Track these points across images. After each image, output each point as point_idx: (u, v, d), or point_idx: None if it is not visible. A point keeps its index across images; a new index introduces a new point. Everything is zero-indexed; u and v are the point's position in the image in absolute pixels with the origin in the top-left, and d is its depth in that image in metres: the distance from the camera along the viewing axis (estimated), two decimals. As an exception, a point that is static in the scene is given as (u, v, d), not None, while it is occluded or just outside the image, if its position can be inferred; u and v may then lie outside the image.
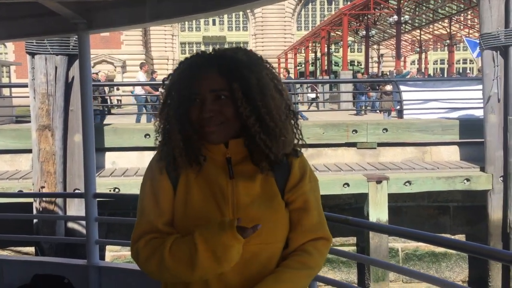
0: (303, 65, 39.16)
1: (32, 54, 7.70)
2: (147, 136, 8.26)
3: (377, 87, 15.93)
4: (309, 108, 17.34)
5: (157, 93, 16.18)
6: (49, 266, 2.99)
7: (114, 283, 2.83)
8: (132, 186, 7.26)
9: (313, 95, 19.09)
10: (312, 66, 36.75)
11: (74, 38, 7.84)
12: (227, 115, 1.38)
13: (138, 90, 13.27)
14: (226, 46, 45.10)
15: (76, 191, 7.43)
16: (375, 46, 37.88)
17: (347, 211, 7.77)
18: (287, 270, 1.40)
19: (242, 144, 1.42)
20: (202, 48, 46.41)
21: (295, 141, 1.47)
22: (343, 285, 2.71)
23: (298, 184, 1.46)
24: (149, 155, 1.56)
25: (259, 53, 1.49)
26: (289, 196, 1.45)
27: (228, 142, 1.42)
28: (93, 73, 15.34)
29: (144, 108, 13.26)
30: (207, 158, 1.43)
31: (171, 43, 44.75)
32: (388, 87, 13.38)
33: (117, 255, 7.59)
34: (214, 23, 46.44)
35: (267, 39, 43.83)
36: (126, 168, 8.29)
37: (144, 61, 17.07)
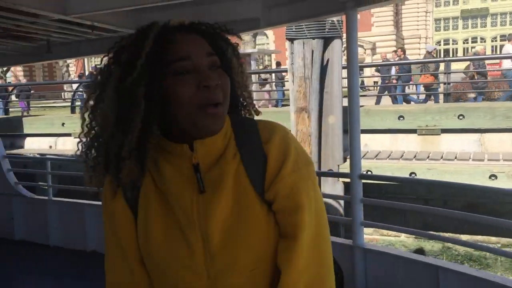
0: None
1: (291, 40, 8.21)
2: (401, 118, 8.00)
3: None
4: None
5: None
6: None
7: (379, 267, 2.74)
8: (385, 170, 7.12)
9: None
10: None
11: (330, 21, 8.06)
12: (227, 90, 1.05)
13: (508, 65, 11.70)
14: (489, 18, 40.00)
15: (329, 171, 7.70)
16: None
17: None
18: None
19: (219, 139, 1.05)
20: (460, 23, 42.90)
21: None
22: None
23: (278, 173, 1.03)
24: (403, 139, 1.36)
25: None
26: (269, 195, 1.03)
27: (192, 143, 1.03)
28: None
29: None
30: (168, 165, 1.05)
31: (424, 21, 42.53)
32: None
33: (368, 238, 7.58)
34: (473, -5, 42.26)
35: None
36: (378, 151, 8.19)
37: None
